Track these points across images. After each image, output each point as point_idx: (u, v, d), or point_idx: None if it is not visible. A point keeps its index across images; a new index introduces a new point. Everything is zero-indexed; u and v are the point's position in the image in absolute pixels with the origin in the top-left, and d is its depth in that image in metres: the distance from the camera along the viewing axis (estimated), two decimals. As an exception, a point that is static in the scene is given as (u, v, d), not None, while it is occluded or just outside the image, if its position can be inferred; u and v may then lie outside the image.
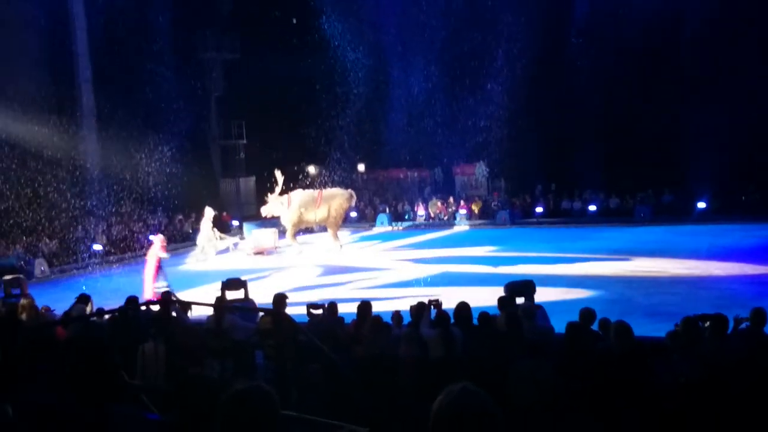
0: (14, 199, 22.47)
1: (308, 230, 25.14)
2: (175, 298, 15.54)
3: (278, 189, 21.64)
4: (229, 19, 33.06)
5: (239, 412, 2.35)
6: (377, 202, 31.90)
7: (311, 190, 22.35)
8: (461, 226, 28.20)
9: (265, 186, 32.88)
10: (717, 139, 21.71)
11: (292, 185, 24.08)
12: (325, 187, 23.27)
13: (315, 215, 21.62)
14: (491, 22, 25.68)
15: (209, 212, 21.66)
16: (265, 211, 22.09)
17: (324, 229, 23.35)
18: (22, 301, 9.87)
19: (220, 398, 2.47)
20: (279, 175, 21.67)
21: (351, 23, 28.51)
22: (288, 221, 21.56)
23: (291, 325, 6.91)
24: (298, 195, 21.74)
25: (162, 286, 15.45)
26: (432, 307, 7.82)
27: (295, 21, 30.16)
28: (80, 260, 22.61)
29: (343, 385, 6.34)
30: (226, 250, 22.79)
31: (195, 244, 25.04)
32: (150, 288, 15.50)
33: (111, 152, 25.50)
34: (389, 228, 28.87)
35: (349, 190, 22.97)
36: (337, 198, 21.90)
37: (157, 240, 16.40)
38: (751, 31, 22.37)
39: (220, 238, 22.09)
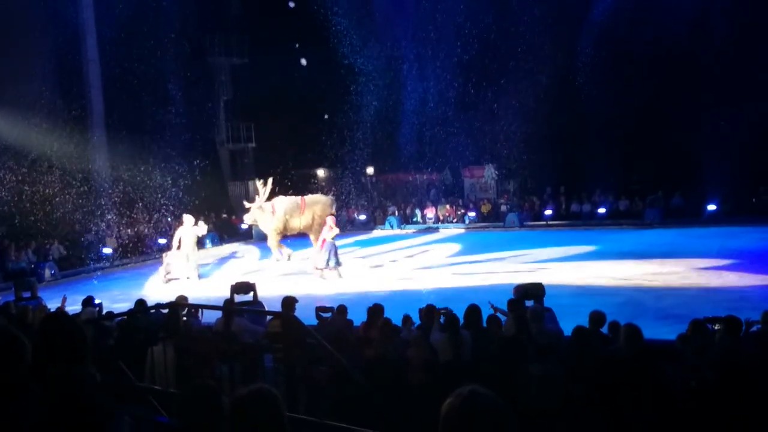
0: (24, 204, 22.58)
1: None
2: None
3: (263, 197, 20.52)
4: (238, 22, 33.19)
5: (244, 416, 2.36)
6: (387, 205, 31.91)
7: (294, 197, 21.42)
8: (456, 229, 28.27)
9: (274, 189, 33.09)
10: (727, 142, 21.60)
11: (309, 187, 24.07)
12: (306, 194, 21.89)
13: (300, 222, 20.80)
14: (501, 25, 25.65)
15: (189, 220, 19.95)
16: (248, 218, 21.10)
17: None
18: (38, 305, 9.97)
19: (219, 406, 2.47)
20: (260, 184, 20.59)
21: (360, 26, 28.56)
22: (272, 229, 20.61)
23: (300, 327, 6.92)
24: (283, 202, 20.83)
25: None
26: (441, 315, 7.78)
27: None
28: (90, 263, 22.72)
29: (351, 387, 6.34)
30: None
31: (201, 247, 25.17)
32: (322, 259, 17.88)
33: (120, 156, 25.62)
34: (399, 231, 28.92)
35: (330, 196, 22.27)
36: (320, 204, 21.10)
37: (330, 220, 18.39)
38: (760, 34, 22.23)
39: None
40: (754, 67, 22.46)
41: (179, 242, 19.57)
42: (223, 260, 23.46)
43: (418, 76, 29.17)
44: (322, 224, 20.92)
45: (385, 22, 28.75)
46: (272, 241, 20.87)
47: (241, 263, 22.65)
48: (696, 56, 23.26)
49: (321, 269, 18.02)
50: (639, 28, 23.76)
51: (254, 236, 28.43)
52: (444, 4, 27.21)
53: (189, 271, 19.40)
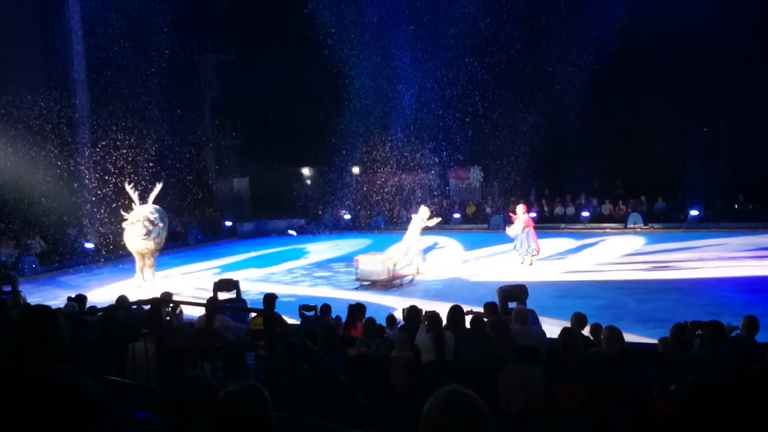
0: (5, 198, 22.33)
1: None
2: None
3: (136, 205, 17.46)
4: (225, 20, 33.00)
5: (234, 413, 2.35)
6: (372, 205, 31.88)
7: (147, 207, 17.82)
8: None
9: (259, 186, 32.98)
10: (711, 150, 21.86)
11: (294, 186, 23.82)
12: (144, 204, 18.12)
13: (162, 239, 18.03)
14: (490, 32, 25.67)
15: (424, 211, 17.81)
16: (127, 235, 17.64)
17: None
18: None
19: (214, 399, 2.46)
20: (130, 189, 17.62)
21: (348, 25, 28.48)
22: (156, 247, 17.82)
23: (282, 326, 6.90)
24: (161, 214, 17.83)
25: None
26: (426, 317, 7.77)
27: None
28: (71, 258, 22.53)
29: (333, 386, 6.33)
30: None
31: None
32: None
33: (104, 152, 25.38)
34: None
35: None
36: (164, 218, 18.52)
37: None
38: (742, 52, 22.42)
39: None
40: (740, 74, 22.63)
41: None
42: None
43: (406, 78, 29.16)
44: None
45: (375, 22, 28.70)
46: (152, 263, 17.90)
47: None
48: (682, 64, 23.40)
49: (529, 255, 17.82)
50: (624, 36, 23.88)
51: (238, 234, 28.45)
52: (436, 8, 27.23)
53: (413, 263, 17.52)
